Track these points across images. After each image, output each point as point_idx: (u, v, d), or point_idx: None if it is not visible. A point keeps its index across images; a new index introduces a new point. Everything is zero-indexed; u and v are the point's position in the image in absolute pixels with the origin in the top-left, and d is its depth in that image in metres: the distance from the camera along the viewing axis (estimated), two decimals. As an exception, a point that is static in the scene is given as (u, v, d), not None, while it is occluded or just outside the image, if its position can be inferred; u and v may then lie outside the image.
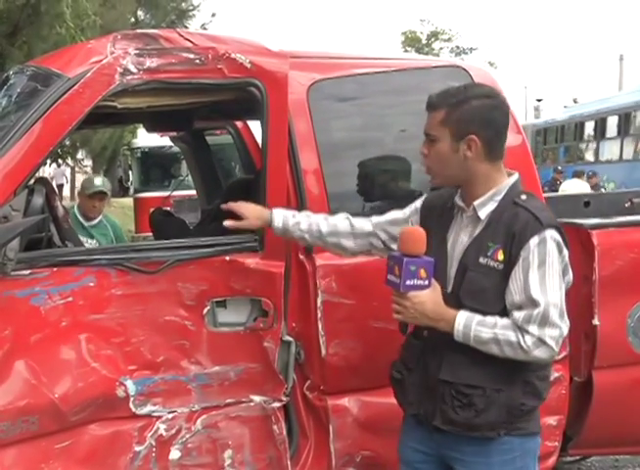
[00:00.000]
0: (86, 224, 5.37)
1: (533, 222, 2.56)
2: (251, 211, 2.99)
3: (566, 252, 2.63)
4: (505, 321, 2.54)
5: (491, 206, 2.63)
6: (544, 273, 2.53)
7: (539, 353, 2.52)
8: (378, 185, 3.60)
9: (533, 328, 2.50)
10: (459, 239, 2.69)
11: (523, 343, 2.50)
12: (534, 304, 2.50)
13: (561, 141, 26.59)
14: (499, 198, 2.64)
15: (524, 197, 2.64)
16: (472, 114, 2.60)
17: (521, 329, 2.51)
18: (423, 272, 2.56)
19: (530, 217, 2.56)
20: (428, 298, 2.59)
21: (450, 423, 2.62)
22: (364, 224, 2.99)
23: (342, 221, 3.00)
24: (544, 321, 2.50)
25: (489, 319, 2.55)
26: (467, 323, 2.55)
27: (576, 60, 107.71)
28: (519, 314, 2.52)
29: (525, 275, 2.53)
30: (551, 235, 2.56)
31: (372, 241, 2.99)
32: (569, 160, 25.66)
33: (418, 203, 2.94)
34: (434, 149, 2.66)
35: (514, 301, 2.55)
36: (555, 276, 2.55)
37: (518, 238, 2.55)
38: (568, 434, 3.77)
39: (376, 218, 2.98)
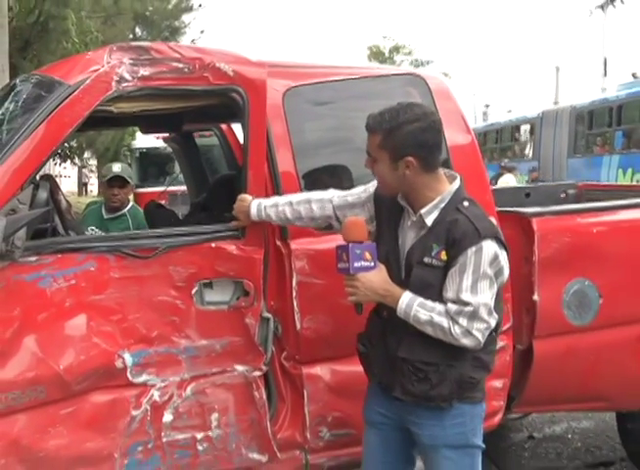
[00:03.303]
0: (106, 216, 4.85)
1: (472, 232, 2.53)
2: (239, 209, 3.05)
3: (502, 256, 2.61)
4: (442, 308, 2.56)
5: (436, 213, 2.61)
6: (477, 278, 2.53)
7: (466, 342, 2.55)
8: (343, 181, 3.53)
9: (463, 321, 2.52)
10: (407, 235, 2.68)
11: (452, 331, 2.53)
12: (466, 304, 2.52)
13: (617, 124, 18.13)
14: (443, 205, 2.61)
15: (466, 204, 2.62)
16: (405, 139, 2.56)
17: (452, 319, 2.53)
18: (368, 255, 2.59)
19: (470, 227, 2.54)
20: (375, 277, 2.60)
21: (408, 394, 2.64)
22: (325, 206, 2.98)
23: (304, 206, 2.99)
24: (473, 317, 2.53)
25: (430, 303, 2.56)
26: (409, 303, 2.57)
27: (519, 71, 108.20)
28: (452, 307, 2.54)
29: (460, 278, 2.54)
30: (487, 245, 2.54)
31: (331, 222, 3.00)
32: (630, 146, 17.81)
33: (371, 188, 2.88)
34: (375, 167, 2.65)
35: (448, 296, 2.56)
36: (486, 280, 2.55)
37: (457, 244, 2.54)
38: (512, 394, 3.76)
39: (337, 200, 2.97)
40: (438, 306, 2.55)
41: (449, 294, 2.56)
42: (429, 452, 2.75)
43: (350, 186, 3.15)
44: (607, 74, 37.02)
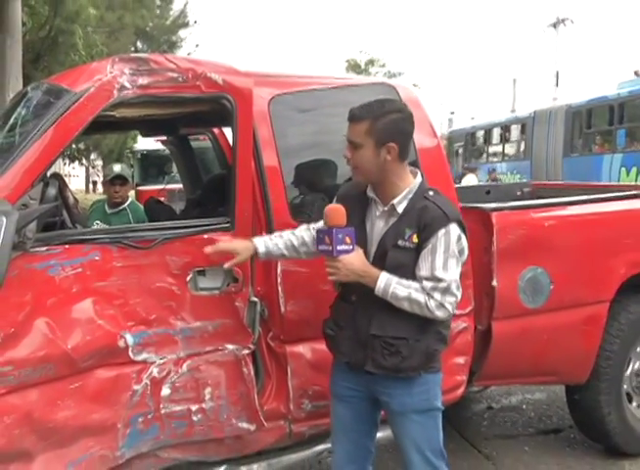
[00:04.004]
0: (109, 211, 4.90)
1: (441, 217, 2.60)
2: (240, 246, 2.91)
3: (463, 238, 2.68)
4: (417, 285, 2.60)
5: (405, 202, 2.66)
6: (447, 257, 2.60)
7: (439, 314, 2.61)
8: (322, 178, 3.54)
9: (437, 295, 2.58)
10: (376, 224, 2.71)
11: (428, 305, 2.58)
12: (439, 280, 2.58)
13: (619, 122, 15.96)
14: (411, 195, 2.66)
15: (431, 193, 2.69)
16: (389, 125, 2.61)
17: (428, 294, 2.58)
18: (348, 239, 2.59)
19: (439, 212, 2.61)
20: (354, 259, 2.61)
21: (380, 368, 2.66)
22: (311, 230, 2.94)
23: (305, 232, 2.96)
24: (445, 291, 2.59)
25: (405, 281, 2.60)
26: (388, 281, 2.59)
27: (480, 82, 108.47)
28: (427, 284, 2.59)
29: (432, 257, 2.59)
30: (453, 227, 2.62)
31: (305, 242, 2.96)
32: (635, 144, 15.68)
33: (335, 200, 2.89)
34: (358, 153, 2.64)
35: (422, 275, 2.60)
36: (454, 259, 2.62)
37: (428, 228, 2.59)
38: (473, 370, 3.77)
39: (314, 225, 2.94)
40: (414, 284, 2.59)
41: (423, 272, 2.60)
42: (398, 418, 2.77)
43: (333, 179, 3.16)
44: (558, 85, 37.20)
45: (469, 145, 24.24)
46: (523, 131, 20.56)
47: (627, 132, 15.85)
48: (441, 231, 2.58)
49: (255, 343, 3.18)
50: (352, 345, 2.74)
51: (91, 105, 2.83)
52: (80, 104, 2.80)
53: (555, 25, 38.78)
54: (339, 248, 2.58)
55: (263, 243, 2.93)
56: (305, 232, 2.96)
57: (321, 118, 3.56)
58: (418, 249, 2.61)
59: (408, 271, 2.62)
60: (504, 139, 21.86)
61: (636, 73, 17.67)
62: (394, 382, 2.70)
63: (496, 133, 22.63)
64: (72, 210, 3.27)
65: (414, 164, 3.50)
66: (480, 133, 23.79)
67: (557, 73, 37.80)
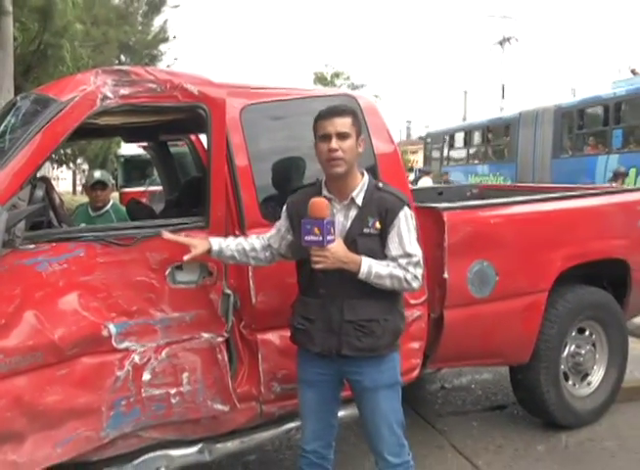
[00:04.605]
0: (93, 214, 4.82)
1: (398, 202, 2.72)
2: (195, 242, 2.86)
3: (414, 217, 2.83)
4: (394, 263, 2.68)
5: (362, 194, 2.71)
6: (411, 235, 2.72)
7: (415, 285, 2.72)
8: (290, 179, 3.51)
9: (412, 269, 2.69)
10: (335, 219, 2.70)
11: (406, 278, 2.68)
12: (411, 255, 2.69)
13: (616, 122, 13.93)
14: (365, 188, 2.73)
15: (381, 185, 2.79)
16: (360, 122, 2.75)
17: (405, 269, 2.68)
18: (332, 229, 2.59)
19: (395, 198, 2.73)
20: (339, 247, 2.62)
21: (356, 349, 2.70)
22: (264, 241, 2.95)
23: (256, 240, 2.95)
24: (417, 264, 2.71)
25: (383, 262, 2.68)
26: (370, 264, 2.63)
27: (435, 93, 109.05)
28: (402, 260, 2.68)
29: (399, 237, 2.69)
30: (408, 209, 2.75)
31: (272, 251, 2.95)
32: (632, 145, 13.55)
33: (283, 213, 2.91)
34: (345, 143, 2.67)
35: (395, 254, 2.68)
36: (414, 235, 2.76)
37: (390, 213, 2.68)
38: (427, 353, 3.80)
39: (268, 235, 2.95)
40: (391, 263, 2.67)
41: (394, 252, 2.69)
42: (370, 394, 2.80)
43: (299, 181, 3.20)
44: (504, 97, 37.49)
45: (448, 147, 22.03)
46: (507, 133, 18.40)
47: (624, 132, 13.88)
48: (401, 213, 2.69)
49: (229, 331, 3.17)
50: (324, 335, 2.74)
51: (76, 113, 2.79)
52: (66, 112, 2.76)
53: (501, 43, 39.07)
54: (328, 238, 2.56)
55: (218, 243, 2.90)
56: (256, 240, 2.96)
57: (289, 126, 3.55)
58: (381, 234, 2.68)
59: (376, 255, 2.67)
60: (486, 141, 19.67)
61: (633, 72, 15.82)
62: (366, 361, 2.74)
63: (478, 135, 20.39)
64: (59, 210, 3.22)
65: (373, 167, 3.53)
66: (461, 135, 21.59)
67: (503, 86, 38.11)
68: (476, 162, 19.66)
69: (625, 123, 13.86)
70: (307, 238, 2.58)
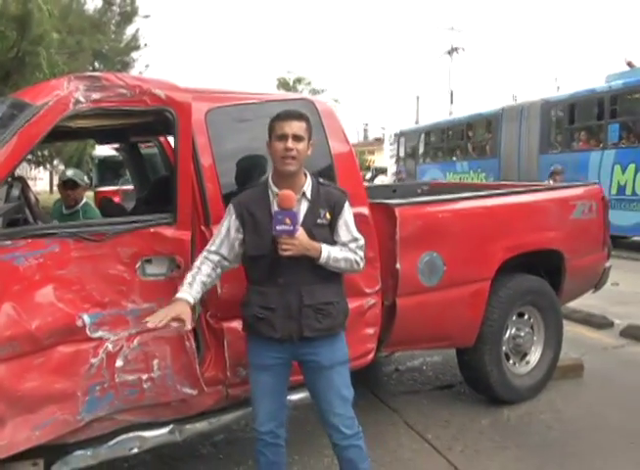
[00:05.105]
0: (65, 212, 4.65)
1: (342, 195, 2.86)
2: (181, 310, 2.67)
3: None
4: (345, 248, 2.80)
5: (309, 189, 2.79)
6: (354, 222, 2.87)
7: (362, 265, 2.88)
8: (251, 177, 3.49)
9: (359, 251, 2.84)
10: None
11: (356, 259, 2.83)
12: (357, 239, 2.84)
13: (612, 116, 12.43)
14: (311, 184, 2.82)
15: (321, 180, 2.91)
16: (312, 127, 2.84)
17: (354, 252, 2.82)
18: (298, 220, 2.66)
19: (339, 192, 2.88)
20: (303, 236, 2.68)
21: (316, 330, 2.77)
22: (214, 257, 2.86)
23: (205, 267, 2.84)
24: (361, 247, 2.86)
25: (337, 247, 2.79)
26: (329, 249, 2.74)
27: (390, 98, 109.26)
28: (352, 245, 2.82)
29: (346, 225, 2.82)
30: (349, 202, 2.88)
31: (224, 264, 2.88)
32: (631, 140, 12.10)
33: (229, 215, 2.86)
34: (299, 145, 2.72)
35: (345, 240, 2.81)
36: (354, 223, 2.88)
37: (337, 205, 2.80)
38: (381, 338, 3.81)
39: (214, 247, 2.87)
40: (343, 248, 2.79)
41: (344, 237, 2.81)
42: (324, 372, 2.83)
43: (261, 174, 3.22)
44: (453, 102, 37.84)
45: (424, 144, 20.44)
46: (488, 129, 16.99)
47: (621, 127, 12.37)
48: (346, 205, 2.83)
49: (196, 320, 3.13)
50: (284, 321, 2.75)
51: (50, 116, 2.75)
52: (40, 116, 2.72)
53: (450, 53, 39.46)
54: (297, 227, 2.63)
55: (190, 296, 2.74)
56: (205, 266, 2.83)
57: (251, 128, 3.53)
58: (330, 224, 2.79)
59: (328, 242, 2.76)
60: (466, 137, 18.04)
61: (629, 64, 14.21)
62: (322, 341, 2.80)
63: (457, 132, 18.69)
64: (34, 208, 3.17)
65: (330, 166, 3.53)
66: (438, 132, 19.97)
67: (451, 92, 38.53)
68: (454, 159, 18.28)
69: (622, 117, 12.41)
70: (279, 227, 2.63)
